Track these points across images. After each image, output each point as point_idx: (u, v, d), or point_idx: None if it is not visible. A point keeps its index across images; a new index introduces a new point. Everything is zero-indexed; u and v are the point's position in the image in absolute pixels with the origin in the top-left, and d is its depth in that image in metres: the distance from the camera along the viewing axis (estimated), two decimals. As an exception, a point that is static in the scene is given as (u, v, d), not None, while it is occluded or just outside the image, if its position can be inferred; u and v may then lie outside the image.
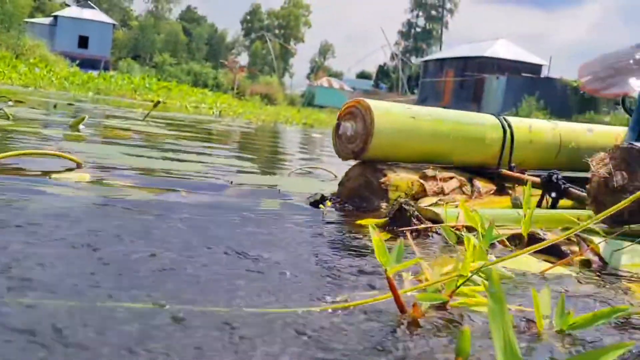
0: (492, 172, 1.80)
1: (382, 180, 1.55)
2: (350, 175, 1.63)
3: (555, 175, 1.55)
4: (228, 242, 1.16)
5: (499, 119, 1.81)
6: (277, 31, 57.94)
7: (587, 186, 1.31)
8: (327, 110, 40.74)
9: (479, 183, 1.73)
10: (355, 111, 1.57)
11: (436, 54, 41.58)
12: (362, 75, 59.51)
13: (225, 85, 23.86)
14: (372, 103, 1.56)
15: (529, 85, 25.60)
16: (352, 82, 55.60)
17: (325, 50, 62.18)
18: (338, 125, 1.59)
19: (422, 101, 35.34)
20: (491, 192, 1.74)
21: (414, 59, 49.18)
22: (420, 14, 53.39)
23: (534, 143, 1.86)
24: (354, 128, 1.55)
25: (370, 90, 53.27)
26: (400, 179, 1.59)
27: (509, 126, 1.80)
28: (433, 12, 52.76)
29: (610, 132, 2.07)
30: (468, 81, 30.49)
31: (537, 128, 1.89)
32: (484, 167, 1.80)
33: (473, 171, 1.79)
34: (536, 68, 30.67)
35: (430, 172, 1.65)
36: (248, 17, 58.25)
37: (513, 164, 1.81)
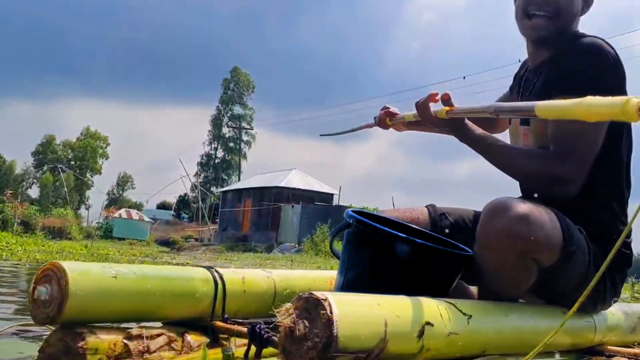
0: (206, 324, 1.86)
1: (80, 344, 1.54)
2: (50, 341, 1.59)
3: (258, 326, 1.63)
4: None
5: (210, 272, 1.89)
6: (72, 162, 56.04)
7: (278, 336, 1.39)
8: (125, 242, 39.45)
9: (191, 337, 1.77)
10: (50, 274, 1.56)
11: (235, 184, 42.59)
12: (163, 206, 58.96)
13: (15, 220, 22.31)
14: (68, 265, 1.56)
15: (322, 213, 26.95)
16: (153, 212, 54.74)
17: (123, 182, 61.01)
18: (34, 289, 1.57)
19: (222, 230, 35.61)
20: (204, 344, 1.79)
21: (214, 189, 49.87)
22: (219, 146, 54.91)
23: (248, 293, 1.96)
24: (49, 291, 1.54)
25: (171, 220, 52.69)
26: (101, 341, 1.58)
27: (221, 278, 1.89)
28: (231, 144, 54.51)
29: (325, 277, 2.24)
30: (265, 210, 31.41)
31: (251, 278, 2.00)
32: (197, 320, 1.85)
33: (187, 325, 1.83)
34: (328, 197, 32.48)
35: (135, 330, 1.66)
36: (40, 149, 55.88)
37: (227, 315, 1.88)
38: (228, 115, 54.59)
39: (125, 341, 1.63)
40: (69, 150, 56.68)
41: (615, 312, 1.93)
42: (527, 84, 1.90)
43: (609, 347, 1.88)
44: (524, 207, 1.49)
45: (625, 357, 1.82)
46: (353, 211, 1.74)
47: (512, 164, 1.67)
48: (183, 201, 54.23)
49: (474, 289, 1.91)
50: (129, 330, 1.66)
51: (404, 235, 1.57)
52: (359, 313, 1.23)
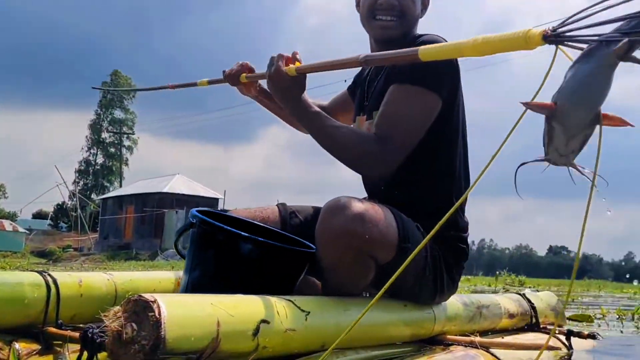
0: (38, 331, 1.79)
1: None
2: None
3: (90, 330, 1.58)
4: None
5: (42, 276, 1.83)
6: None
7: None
8: (-2, 255, 37.18)
9: (19, 345, 1.70)
10: None
11: (115, 191, 41.27)
12: (39, 216, 56.26)
13: None
14: None
15: (207, 218, 26.55)
16: (28, 222, 51.98)
17: (-6, 191, 57.57)
18: None
19: (103, 239, 34.40)
20: (35, 352, 1.73)
21: (95, 197, 48.03)
22: (99, 152, 52.99)
23: (86, 297, 1.90)
24: None
25: (48, 230, 50.23)
26: None
27: (54, 282, 1.83)
28: (112, 150, 52.77)
29: (172, 278, 2.21)
30: (149, 217, 30.63)
31: (89, 281, 1.94)
32: (28, 326, 1.79)
33: (17, 332, 1.76)
34: (213, 201, 32.14)
35: (-47, 341, 1.58)
36: None
37: (60, 321, 1.82)
38: (108, 119, 52.81)
39: (-60, 354, 1.55)
40: None
41: (455, 302, 2.02)
42: (370, 83, 1.96)
43: (449, 336, 1.96)
44: (360, 206, 1.54)
45: (462, 344, 1.91)
46: (197, 210, 1.73)
47: (335, 141, 1.69)
48: (61, 210, 51.89)
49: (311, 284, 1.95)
50: (-55, 341, 1.58)
51: (246, 234, 1.58)
52: (190, 314, 1.22)
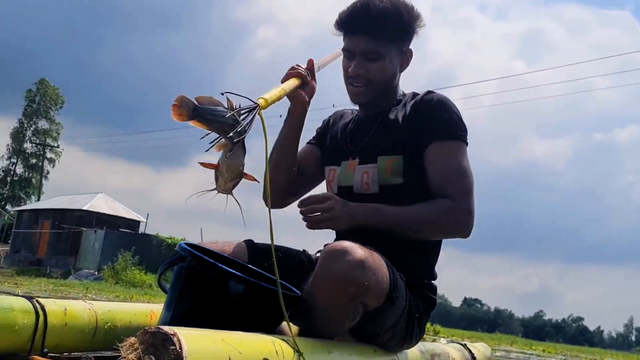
0: (24, 358, 1.80)
1: None
2: None
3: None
4: None
5: (31, 302, 1.83)
6: None
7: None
8: None
9: (5, 372, 1.71)
10: None
11: (33, 204, 39.76)
12: (-54, 223, 53.30)
13: None
14: None
15: (127, 240, 26.02)
16: None
17: None
18: None
19: (15, 252, 32.95)
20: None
21: (9, 207, 46.01)
22: (19, 161, 50.98)
23: (70, 326, 1.92)
24: None
25: (-46, 239, 47.62)
26: None
27: (42, 310, 1.84)
28: (33, 161, 50.90)
29: (145, 310, 2.24)
30: (65, 234, 29.63)
31: (72, 309, 1.95)
32: (13, 354, 1.79)
33: (4, 358, 1.76)
34: (134, 223, 31.45)
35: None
36: None
37: (46, 349, 1.83)
38: (32, 129, 51.01)
39: None
40: None
41: (414, 350, 2.11)
42: (359, 129, 2.06)
43: None
44: (361, 253, 1.61)
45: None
46: (186, 244, 1.75)
47: (424, 224, 1.84)
48: (-29, 218, 49.39)
49: (284, 325, 2.00)
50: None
51: (241, 275, 1.63)
52: (206, 349, 1.26)
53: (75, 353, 1.96)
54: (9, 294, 1.81)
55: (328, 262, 1.62)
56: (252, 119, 1.50)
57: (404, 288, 1.79)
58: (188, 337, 1.23)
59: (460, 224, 1.84)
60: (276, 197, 1.95)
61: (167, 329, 1.23)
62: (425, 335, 2.09)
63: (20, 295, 1.89)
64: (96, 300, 2.50)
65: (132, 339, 1.28)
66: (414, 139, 1.91)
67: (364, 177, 1.97)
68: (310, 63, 2.01)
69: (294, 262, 1.99)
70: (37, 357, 1.81)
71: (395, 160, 1.92)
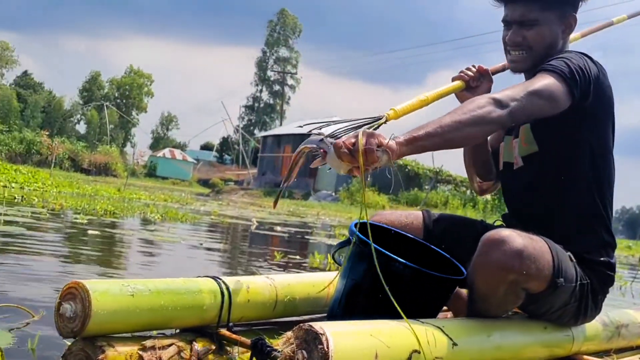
0: (213, 332, 2.08)
1: (100, 357, 1.77)
2: (73, 349, 1.82)
3: (260, 342, 1.81)
4: None
5: (217, 283, 2.10)
6: (118, 100, 56.73)
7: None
8: (168, 181, 40.23)
9: (198, 345, 2.00)
10: (74, 292, 1.77)
11: (274, 129, 42.74)
12: (206, 147, 59.59)
13: (52, 161, 22.82)
14: (90, 286, 1.76)
15: (363, 162, 26.92)
16: (196, 153, 55.47)
17: (168, 121, 61.78)
18: (59, 305, 1.77)
19: (262, 175, 36.08)
20: (210, 352, 2.02)
21: (257, 132, 50.10)
22: (265, 89, 54.85)
23: (252, 302, 2.17)
24: (73, 309, 1.75)
25: (213, 162, 53.39)
26: (118, 353, 1.81)
27: (227, 289, 2.10)
28: (276, 87, 54.42)
29: (324, 281, 2.40)
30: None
31: (255, 286, 2.19)
32: (204, 327, 2.08)
33: (196, 332, 2.06)
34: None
35: (149, 342, 1.89)
36: (87, 85, 56.60)
37: (231, 323, 2.10)
38: (273, 57, 54.33)
39: (140, 352, 1.86)
40: (115, 88, 57.28)
41: (594, 323, 2.04)
42: None
43: (585, 356, 2.02)
44: (519, 242, 1.61)
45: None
46: (356, 224, 1.83)
47: (459, 112, 1.58)
48: (225, 143, 54.70)
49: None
50: (143, 342, 1.89)
51: (402, 261, 1.69)
52: (353, 346, 1.36)
53: (256, 326, 2.23)
54: (215, 278, 2.07)
55: (486, 251, 1.64)
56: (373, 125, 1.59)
57: (573, 269, 1.76)
58: (336, 335, 1.33)
59: (490, 111, 1.59)
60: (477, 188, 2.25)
61: (317, 327, 1.34)
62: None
63: (207, 277, 2.18)
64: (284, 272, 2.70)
65: (289, 334, 1.44)
66: None
67: (514, 152, 1.98)
68: (480, 69, 2.02)
69: (472, 229, 2.05)
70: (224, 330, 2.10)
71: (525, 128, 1.90)
